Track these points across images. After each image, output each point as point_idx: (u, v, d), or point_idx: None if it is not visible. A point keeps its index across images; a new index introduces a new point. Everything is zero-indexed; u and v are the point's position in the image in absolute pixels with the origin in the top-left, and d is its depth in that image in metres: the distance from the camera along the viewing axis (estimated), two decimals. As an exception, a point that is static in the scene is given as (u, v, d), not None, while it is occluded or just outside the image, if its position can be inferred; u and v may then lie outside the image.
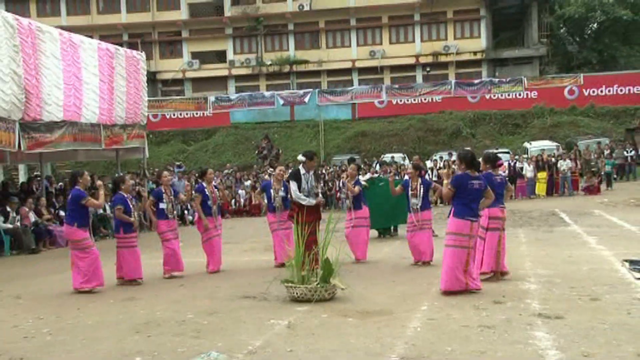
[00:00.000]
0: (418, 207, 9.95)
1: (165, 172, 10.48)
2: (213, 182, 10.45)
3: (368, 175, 15.87)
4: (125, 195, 9.30)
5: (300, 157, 9.32)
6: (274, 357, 5.20)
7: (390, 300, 7.28)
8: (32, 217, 14.72)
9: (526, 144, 29.98)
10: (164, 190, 9.81)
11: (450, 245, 7.45)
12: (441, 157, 26.93)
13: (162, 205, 9.67)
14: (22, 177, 24.43)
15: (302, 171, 9.13)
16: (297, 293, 7.22)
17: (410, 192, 10.03)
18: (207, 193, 10.01)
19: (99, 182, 9.41)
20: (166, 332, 6.13)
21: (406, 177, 14.68)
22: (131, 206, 9.28)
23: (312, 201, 9.00)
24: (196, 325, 6.36)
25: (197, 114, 38.22)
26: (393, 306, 6.91)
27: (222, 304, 7.38)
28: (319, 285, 7.18)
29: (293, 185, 9.05)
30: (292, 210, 9.12)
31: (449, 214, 7.62)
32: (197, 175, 12.72)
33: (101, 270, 8.72)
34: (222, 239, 10.34)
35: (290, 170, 9.45)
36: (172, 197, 9.91)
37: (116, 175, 13.80)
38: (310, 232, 8.09)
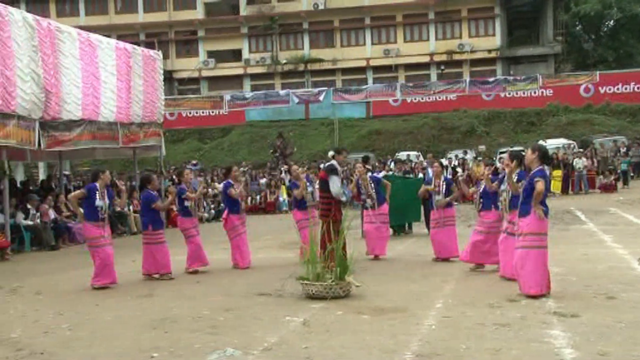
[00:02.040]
0: (437, 204, 10.02)
1: (187, 171, 10.65)
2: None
3: (383, 173, 15.91)
4: (154, 193, 9.54)
5: (331, 153, 9.35)
6: (289, 353, 5.24)
7: (404, 297, 7.30)
8: (52, 214, 14.90)
9: (541, 142, 29.80)
10: (186, 188, 9.96)
11: (543, 247, 7.01)
12: (456, 155, 26.84)
13: (186, 203, 9.80)
14: (42, 175, 24.74)
15: (339, 167, 9.11)
16: (312, 290, 7.26)
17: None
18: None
19: (121, 186, 9.58)
20: (182, 328, 6.20)
21: (419, 175, 14.69)
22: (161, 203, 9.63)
23: (348, 198, 9.01)
24: (212, 322, 6.42)
25: (212, 112, 38.40)
26: (407, 303, 6.93)
27: (237, 301, 7.45)
28: (333, 283, 7.22)
29: (337, 180, 8.88)
30: (326, 206, 8.94)
31: (525, 213, 7.11)
32: (222, 173, 12.85)
33: (113, 268, 8.83)
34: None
35: (327, 165, 9.44)
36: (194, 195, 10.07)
37: (138, 172, 14.01)
38: (339, 230, 8.19)
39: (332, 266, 7.42)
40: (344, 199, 8.99)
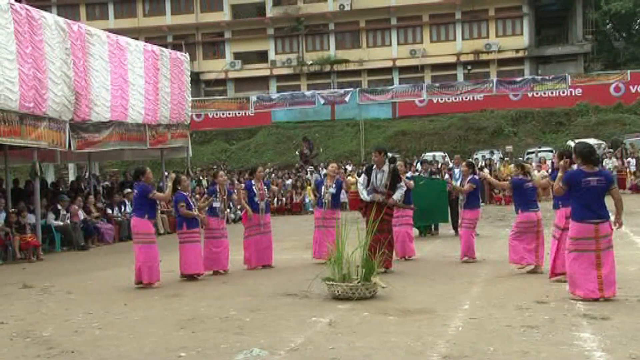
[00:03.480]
0: (463, 204, 10.03)
1: (221, 172, 10.79)
2: (263, 180, 10.73)
3: (409, 174, 15.81)
4: (185, 194, 9.63)
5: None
6: (315, 354, 5.25)
7: (431, 298, 7.27)
8: (81, 214, 15.13)
9: (570, 143, 29.36)
10: (218, 190, 10.04)
11: (573, 250, 6.81)
12: (483, 156, 26.58)
13: (215, 204, 9.89)
14: (71, 176, 25.13)
15: (374, 166, 9.26)
16: (338, 291, 7.26)
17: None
18: (254, 190, 10.25)
19: (172, 175, 9.76)
20: (210, 328, 6.25)
21: (446, 176, 14.56)
22: (191, 203, 9.71)
23: (367, 197, 9.07)
24: (239, 322, 6.45)
25: (239, 113, 38.62)
26: (434, 305, 6.89)
27: (264, 301, 7.48)
28: (360, 284, 7.21)
29: (360, 179, 9.40)
30: (361, 203, 9.36)
31: (571, 214, 7.02)
32: (247, 173, 13.00)
33: (159, 267, 9.00)
34: (271, 236, 10.48)
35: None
36: (226, 197, 10.18)
37: (166, 173, 14.17)
38: (379, 229, 8.22)
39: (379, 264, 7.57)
40: (361, 197, 9.22)
